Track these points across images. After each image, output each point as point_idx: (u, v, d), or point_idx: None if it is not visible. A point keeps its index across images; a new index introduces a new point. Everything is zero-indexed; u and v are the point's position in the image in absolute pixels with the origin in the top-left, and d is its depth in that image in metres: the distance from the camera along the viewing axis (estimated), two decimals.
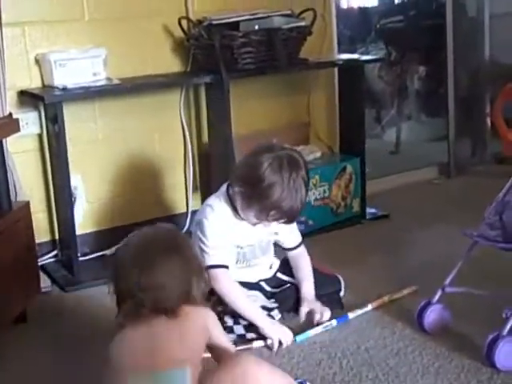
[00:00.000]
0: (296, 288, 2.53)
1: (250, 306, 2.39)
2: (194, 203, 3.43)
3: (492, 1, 4.49)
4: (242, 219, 2.39)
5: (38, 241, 2.81)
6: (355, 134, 3.60)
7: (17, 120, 2.64)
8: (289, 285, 2.56)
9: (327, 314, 2.43)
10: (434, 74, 4.90)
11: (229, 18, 3.16)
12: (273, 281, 2.58)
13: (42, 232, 3.07)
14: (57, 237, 3.15)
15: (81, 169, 3.13)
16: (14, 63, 2.93)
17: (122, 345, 1.73)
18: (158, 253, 1.74)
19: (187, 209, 3.44)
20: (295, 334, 2.36)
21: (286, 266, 2.59)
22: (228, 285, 2.35)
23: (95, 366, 1.77)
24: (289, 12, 3.31)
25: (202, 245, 2.34)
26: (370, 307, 2.55)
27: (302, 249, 2.59)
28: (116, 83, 3.02)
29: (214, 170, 3.34)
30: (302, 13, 3.34)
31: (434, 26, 4.55)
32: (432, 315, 2.33)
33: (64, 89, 2.88)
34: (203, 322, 1.80)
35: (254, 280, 2.52)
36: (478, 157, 4.58)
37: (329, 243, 3.22)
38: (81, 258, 3.07)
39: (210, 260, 2.34)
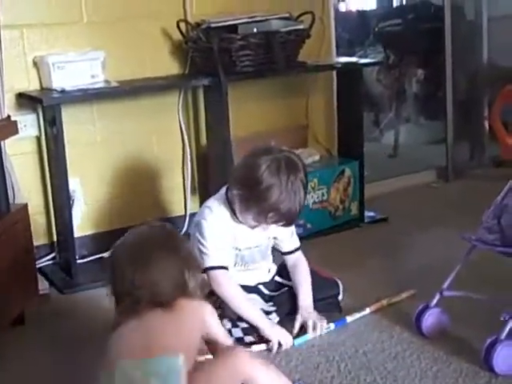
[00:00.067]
0: (294, 291, 2.52)
1: (250, 306, 2.38)
2: (192, 205, 3.43)
3: (490, 4, 4.49)
4: (241, 222, 2.39)
5: (36, 243, 2.80)
6: (354, 137, 3.60)
7: (15, 122, 2.63)
8: (287, 288, 2.55)
9: (323, 326, 2.40)
10: (432, 78, 4.90)
11: (227, 21, 3.16)
12: (271, 284, 2.57)
13: (40, 234, 3.07)
14: (55, 239, 3.15)
15: (79, 171, 3.13)
16: (13, 65, 2.93)
17: (119, 341, 1.75)
18: (150, 250, 1.78)
19: (185, 211, 3.44)
20: (294, 337, 2.36)
21: (284, 270, 2.59)
22: (228, 286, 2.35)
23: (93, 368, 1.77)
24: (287, 15, 3.31)
25: (200, 246, 2.34)
26: (368, 311, 2.55)
27: (300, 255, 2.57)
28: (114, 86, 3.02)
29: (212, 173, 3.34)
30: (300, 16, 3.34)
31: (433, 30, 4.56)
32: (430, 319, 2.33)
33: (62, 91, 2.88)
34: (199, 315, 1.83)
35: (252, 283, 2.51)
36: (476, 160, 4.59)
37: (327, 246, 3.22)
38: (79, 261, 3.06)
39: (209, 261, 2.33)
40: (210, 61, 3.12)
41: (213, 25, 3.14)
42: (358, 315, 2.52)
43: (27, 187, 3.01)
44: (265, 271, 2.57)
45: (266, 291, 2.54)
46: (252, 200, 2.29)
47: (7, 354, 2.38)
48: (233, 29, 3.16)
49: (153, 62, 3.27)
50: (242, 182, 2.33)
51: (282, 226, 2.37)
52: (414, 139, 4.97)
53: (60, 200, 2.98)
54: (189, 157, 3.42)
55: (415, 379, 2.12)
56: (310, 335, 2.38)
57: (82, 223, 3.21)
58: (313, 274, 2.54)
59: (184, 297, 1.78)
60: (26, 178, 3.02)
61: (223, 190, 2.45)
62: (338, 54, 3.88)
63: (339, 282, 2.61)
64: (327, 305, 2.56)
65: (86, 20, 3.10)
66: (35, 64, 3.01)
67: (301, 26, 3.30)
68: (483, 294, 2.31)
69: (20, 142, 2.93)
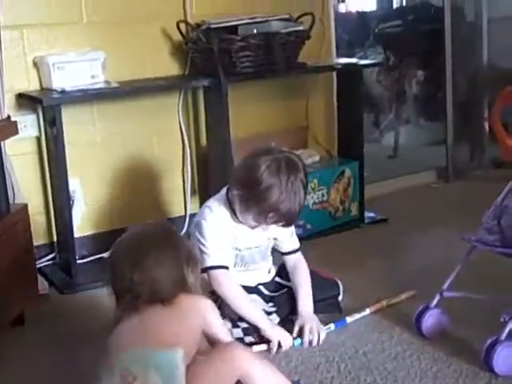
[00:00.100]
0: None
1: (251, 307, 2.38)
2: (193, 206, 3.43)
3: (490, 5, 4.49)
4: (241, 222, 2.39)
5: (35, 243, 2.80)
6: (354, 138, 3.60)
7: (15, 123, 2.63)
8: (287, 289, 2.55)
9: (322, 334, 2.37)
10: (432, 79, 4.90)
11: (227, 22, 3.17)
12: (271, 285, 2.57)
13: (40, 234, 3.07)
14: (55, 239, 3.15)
15: (79, 171, 3.13)
16: (12, 66, 2.93)
17: (119, 336, 1.77)
18: (150, 246, 1.81)
19: (185, 212, 3.44)
20: (294, 337, 2.35)
21: (284, 271, 2.58)
22: (228, 285, 2.35)
23: (93, 367, 1.77)
24: (287, 16, 3.31)
25: (201, 246, 2.34)
26: (368, 311, 2.54)
27: (300, 257, 2.56)
28: (114, 86, 3.02)
29: (212, 173, 3.35)
30: (300, 17, 3.35)
31: (433, 31, 4.56)
32: (430, 320, 2.33)
33: (62, 91, 2.88)
34: (199, 310, 1.85)
35: (252, 284, 2.51)
36: (476, 161, 4.59)
37: (327, 247, 3.22)
38: (79, 261, 3.06)
39: (209, 261, 2.33)
40: (210, 62, 3.12)
41: (213, 26, 3.15)
42: (358, 316, 2.51)
43: (27, 187, 3.01)
44: (265, 272, 2.57)
45: (266, 292, 2.54)
46: (252, 200, 2.29)
47: (7, 353, 2.38)
48: (233, 30, 3.16)
49: (153, 62, 3.27)
50: (242, 183, 2.33)
51: (282, 226, 2.37)
52: (414, 140, 4.97)
53: (60, 200, 2.98)
54: (189, 157, 3.42)
55: (415, 379, 2.12)
56: (305, 341, 2.35)
57: (82, 223, 3.21)
58: (313, 274, 2.53)
59: (184, 292, 1.81)
60: (26, 178, 3.02)
61: (224, 190, 2.44)
62: (338, 55, 3.88)
63: (339, 283, 2.61)
64: (327, 305, 2.56)
65: (86, 20, 3.10)
66: (35, 64, 3.01)
67: (301, 27, 3.30)
68: (483, 295, 2.32)
69: (20, 142, 2.93)
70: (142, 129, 3.29)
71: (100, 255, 3.09)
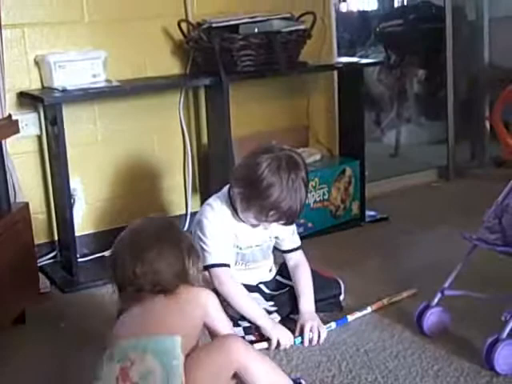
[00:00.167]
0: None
1: (252, 304, 2.38)
2: (193, 205, 3.43)
3: (491, 5, 4.49)
4: (242, 221, 2.39)
5: (36, 242, 2.81)
6: (355, 137, 3.60)
7: (16, 121, 2.63)
8: (288, 288, 2.55)
9: (323, 333, 2.37)
10: (433, 78, 4.90)
11: (228, 21, 3.16)
12: (272, 283, 2.57)
13: (41, 233, 3.08)
14: (56, 238, 3.15)
15: (80, 170, 3.13)
16: (14, 64, 2.94)
17: (121, 326, 1.80)
18: (151, 239, 1.83)
19: (186, 210, 3.44)
20: (295, 336, 2.35)
21: (285, 269, 2.58)
22: (229, 283, 2.35)
23: (94, 366, 1.77)
24: (288, 15, 3.31)
25: (202, 244, 2.34)
26: (369, 310, 2.55)
27: (302, 256, 2.56)
28: (115, 85, 3.02)
29: (213, 172, 3.35)
30: (301, 16, 3.34)
31: (434, 30, 4.56)
32: (431, 318, 2.33)
33: (63, 90, 2.88)
34: (201, 301, 1.86)
35: (253, 282, 2.51)
36: (477, 160, 4.59)
37: (328, 246, 3.22)
38: (80, 260, 3.07)
39: (210, 259, 2.33)
40: (211, 61, 3.12)
41: (214, 25, 3.14)
42: (359, 314, 2.52)
43: (28, 186, 3.01)
44: (266, 270, 2.57)
45: (266, 290, 2.54)
46: (253, 198, 2.29)
47: (8, 352, 2.38)
48: (234, 29, 3.16)
49: (154, 61, 3.27)
50: (243, 181, 2.33)
51: (283, 224, 2.37)
52: (415, 139, 4.97)
53: (61, 199, 2.98)
54: (190, 156, 3.42)
55: (416, 378, 2.12)
56: (305, 340, 2.35)
57: (83, 222, 3.21)
58: (314, 273, 2.53)
59: (186, 283, 1.83)
60: (27, 177, 3.02)
61: (226, 188, 2.44)
62: (339, 54, 3.89)
63: (341, 282, 2.61)
64: (328, 305, 2.56)
65: (88, 19, 3.10)
66: (36, 63, 3.01)
67: (302, 27, 3.30)
68: (484, 294, 2.32)
69: (21, 141, 2.94)
70: (143, 128, 3.30)
71: (101, 254, 3.10)
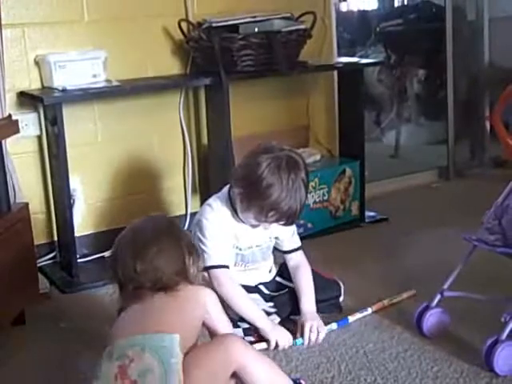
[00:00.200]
0: (295, 292, 2.52)
1: (251, 306, 2.37)
2: (193, 205, 3.43)
3: (491, 5, 4.49)
4: (242, 221, 2.39)
5: (36, 242, 2.80)
6: (354, 137, 3.60)
7: (16, 121, 2.63)
8: (287, 289, 2.55)
9: (322, 333, 2.37)
10: (433, 78, 4.90)
11: (228, 21, 3.16)
12: (272, 284, 2.57)
13: (40, 234, 3.07)
14: (56, 238, 3.14)
15: (80, 170, 3.13)
16: (14, 64, 2.94)
17: (120, 324, 1.82)
18: (151, 237, 1.85)
19: (186, 210, 3.44)
20: (294, 337, 2.35)
21: (285, 270, 2.58)
22: (229, 285, 2.34)
23: (94, 367, 1.77)
24: (288, 15, 3.31)
25: (201, 245, 2.33)
26: (369, 311, 2.54)
27: (302, 257, 2.56)
28: (115, 85, 3.02)
29: (213, 172, 3.34)
30: (301, 16, 3.34)
31: (434, 30, 4.56)
32: (431, 319, 2.33)
33: (63, 90, 2.88)
34: (200, 299, 1.87)
35: (253, 283, 2.51)
36: (477, 160, 4.59)
37: (328, 246, 3.22)
38: (79, 260, 3.07)
39: (209, 260, 2.33)
40: (211, 60, 3.12)
41: (214, 24, 3.14)
42: (360, 315, 2.51)
43: (28, 186, 3.01)
44: (266, 271, 2.57)
45: (266, 291, 2.54)
46: (253, 199, 2.28)
47: (8, 352, 2.38)
48: (234, 28, 3.16)
49: (154, 61, 3.27)
50: (243, 181, 2.32)
51: (283, 224, 2.36)
52: (415, 139, 4.97)
53: (61, 199, 2.98)
54: (190, 156, 3.42)
55: (416, 379, 2.12)
56: (305, 340, 2.35)
57: (83, 222, 3.21)
58: (314, 274, 2.53)
59: (187, 281, 1.85)
60: (27, 177, 3.02)
61: (226, 188, 2.44)
62: (340, 54, 3.89)
63: (341, 284, 2.60)
64: (328, 306, 2.55)
65: (88, 19, 3.10)
66: (36, 63, 3.01)
67: (302, 26, 3.29)
68: (484, 295, 2.32)
69: (21, 141, 2.94)
70: (143, 127, 3.29)
71: (101, 254, 3.10)
